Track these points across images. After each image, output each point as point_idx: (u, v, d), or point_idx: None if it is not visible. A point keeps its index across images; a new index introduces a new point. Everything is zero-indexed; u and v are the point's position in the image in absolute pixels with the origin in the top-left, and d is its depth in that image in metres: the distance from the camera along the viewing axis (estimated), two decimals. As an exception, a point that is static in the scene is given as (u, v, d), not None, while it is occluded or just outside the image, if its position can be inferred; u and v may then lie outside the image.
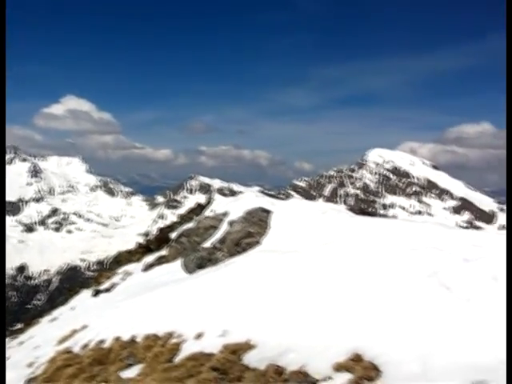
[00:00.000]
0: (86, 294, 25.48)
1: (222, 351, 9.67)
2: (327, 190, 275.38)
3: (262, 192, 31.89)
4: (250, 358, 9.01)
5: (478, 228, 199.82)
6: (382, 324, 8.80)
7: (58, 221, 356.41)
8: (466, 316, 8.18)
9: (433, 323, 8.31)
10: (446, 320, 8.28)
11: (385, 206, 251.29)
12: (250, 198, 24.36)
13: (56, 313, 23.58)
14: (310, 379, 7.71)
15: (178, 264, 21.77)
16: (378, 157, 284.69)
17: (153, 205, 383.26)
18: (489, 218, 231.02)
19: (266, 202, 22.48)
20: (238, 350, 9.44)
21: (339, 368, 7.75)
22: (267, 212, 21.26)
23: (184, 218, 35.85)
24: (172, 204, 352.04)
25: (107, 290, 23.47)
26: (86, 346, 13.41)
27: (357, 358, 7.95)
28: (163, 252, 27.07)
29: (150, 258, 27.23)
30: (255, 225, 20.28)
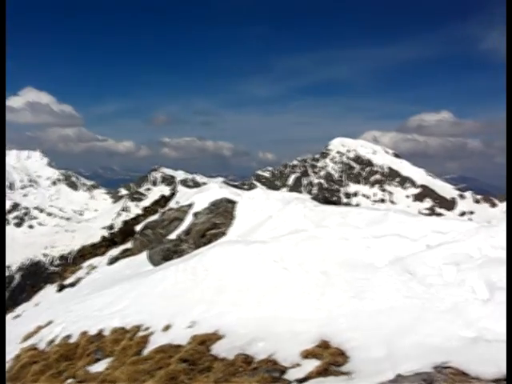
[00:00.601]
0: (50, 290, 25.16)
1: (190, 342, 9.70)
2: (291, 180, 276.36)
3: (226, 183, 32.02)
4: (219, 349, 9.05)
5: (439, 215, 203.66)
6: (348, 310, 8.97)
7: (19, 216, 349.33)
8: (429, 300, 8.40)
9: (396, 308, 8.51)
10: (410, 305, 8.48)
11: (348, 195, 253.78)
12: (215, 189, 24.34)
13: (19, 310, 23.20)
14: (278, 367, 7.80)
15: (143, 256, 21.66)
16: (341, 146, 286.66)
17: (116, 197, 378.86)
18: (449, 204, 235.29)
19: (231, 193, 22.52)
20: (206, 341, 9.48)
21: (307, 355, 7.88)
22: (232, 203, 21.29)
23: (148, 211, 35.66)
24: (136, 196, 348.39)
25: (72, 285, 23.21)
26: (51, 342, 13.26)
27: (324, 345, 8.10)
28: (128, 245, 26.91)
29: (114, 251, 27.04)
30: (220, 216, 20.31)
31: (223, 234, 19.10)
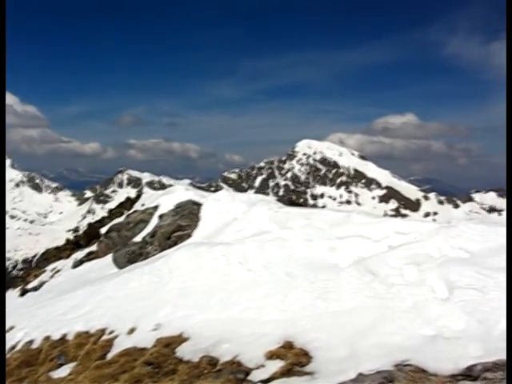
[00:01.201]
0: (12, 294, 24.71)
1: (155, 345, 9.66)
2: (258, 182, 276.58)
3: (193, 185, 31.97)
4: (184, 351, 9.04)
5: (404, 216, 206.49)
6: (312, 311, 9.07)
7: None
8: (390, 300, 8.56)
9: (359, 308, 8.66)
10: (372, 305, 8.63)
11: (315, 197, 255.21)
12: (181, 191, 24.28)
13: (-20, 314, 22.78)
14: (243, 368, 7.84)
15: (108, 259, 21.46)
16: (308, 148, 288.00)
17: (82, 200, 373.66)
18: (414, 205, 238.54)
19: (197, 195, 22.50)
20: (171, 344, 9.47)
21: (272, 356, 7.94)
22: (197, 205, 21.28)
23: (114, 213, 35.34)
24: (101, 199, 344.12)
25: (35, 289, 22.85)
26: (13, 347, 13.03)
27: (288, 346, 8.17)
28: (93, 248, 26.63)
29: (79, 254, 26.73)
30: (186, 218, 20.28)
31: (189, 235, 19.07)
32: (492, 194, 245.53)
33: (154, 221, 22.55)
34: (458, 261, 9.07)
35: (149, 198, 29.59)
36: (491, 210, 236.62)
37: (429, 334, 7.35)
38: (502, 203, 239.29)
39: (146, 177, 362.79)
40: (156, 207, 24.01)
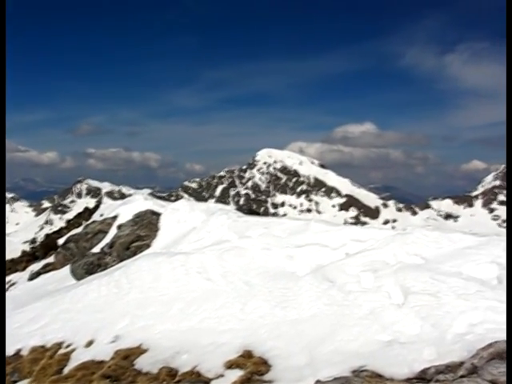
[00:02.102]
0: (-35, 308, 24.06)
1: (113, 357, 9.54)
2: (218, 191, 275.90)
3: (153, 194, 31.71)
4: (143, 363, 8.96)
5: (364, 224, 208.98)
6: (271, 320, 9.12)
7: None
8: (348, 307, 8.68)
9: (317, 316, 8.75)
10: (330, 312, 8.73)
11: (275, 205, 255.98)
12: (139, 201, 24.06)
13: None
14: (202, 378, 7.84)
15: (66, 271, 21.07)
16: (268, 157, 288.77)
17: (39, 210, 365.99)
18: (374, 213, 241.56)
19: (156, 205, 22.34)
20: (130, 355, 9.37)
21: (231, 365, 7.96)
22: (157, 214, 21.12)
23: (72, 223, 34.74)
24: (59, 209, 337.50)
25: (-11, 303, 22.30)
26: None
27: (247, 355, 8.20)
28: (50, 259, 26.12)
29: (36, 266, 26.15)
30: (145, 228, 20.11)
31: (148, 246, 18.91)
32: (448, 201, 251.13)
33: (113, 231, 22.27)
34: (413, 267, 9.28)
35: (107, 207, 29.22)
36: (447, 216, 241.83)
37: (385, 339, 7.48)
38: (457, 210, 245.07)
39: (106, 186, 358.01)
40: (115, 217, 23.73)
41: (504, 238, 9.75)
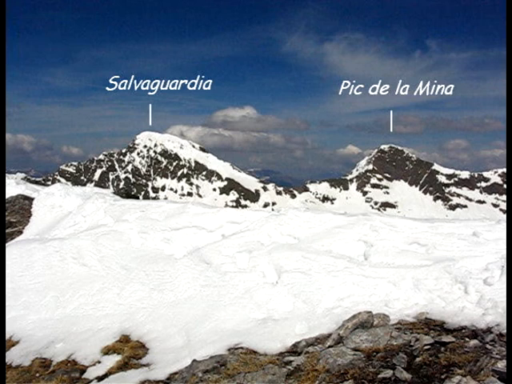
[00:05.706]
0: None
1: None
2: (97, 175, 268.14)
3: (28, 179, 30.10)
4: (14, 355, 8.58)
5: (244, 207, 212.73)
6: (149, 303, 9.12)
7: None
8: (224, 287, 8.87)
9: (194, 297, 8.86)
10: (207, 293, 8.87)
11: (156, 189, 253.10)
12: (10, 186, 22.86)
13: None
14: (78, 367, 7.70)
15: None
16: (148, 140, 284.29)
17: None
18: (254, 196, 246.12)
19: (28, 189, 21.30)
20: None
21: (108, 351, 7.90)
22: (29, 199, 20.19)
23: None
24: None
25: None
26: None
27: (125, 340, 8.17)
28: None
29: None
30: (16, 213, 19.15)
31: (20, 232, 18.02)
32: (325, 184, 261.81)
33: (-19, 219, 21.07)
34: (286, 246, 9.64)
35: (-26, 194, 27.52)
36: (325, 199, 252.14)
37: (260, 317, 7.76)
38: (334, 192, 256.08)
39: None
40: (-18, 204, 22.41)
41: (370, 217, 10.40)
